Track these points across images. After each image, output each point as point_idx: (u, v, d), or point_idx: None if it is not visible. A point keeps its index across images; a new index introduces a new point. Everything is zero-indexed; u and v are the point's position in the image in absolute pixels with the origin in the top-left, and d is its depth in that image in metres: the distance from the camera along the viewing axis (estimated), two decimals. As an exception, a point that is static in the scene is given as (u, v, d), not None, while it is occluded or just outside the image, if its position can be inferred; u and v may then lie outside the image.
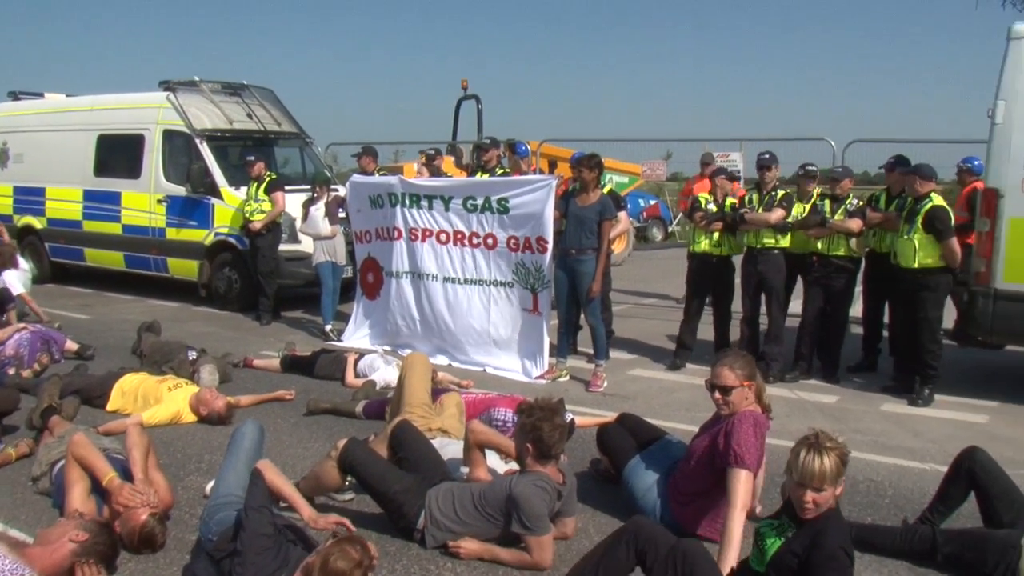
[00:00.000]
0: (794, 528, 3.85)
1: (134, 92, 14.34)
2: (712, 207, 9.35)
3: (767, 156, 9.24)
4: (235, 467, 4.68)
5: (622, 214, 10.11)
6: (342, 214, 11.02)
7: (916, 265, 8.07)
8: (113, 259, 14.27)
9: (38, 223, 15.18)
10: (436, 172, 11.36)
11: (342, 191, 11.44)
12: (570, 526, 4.98)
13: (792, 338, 9.24)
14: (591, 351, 9.01)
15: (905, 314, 8.45)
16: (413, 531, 4.86)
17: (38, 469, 5.66)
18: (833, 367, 9.09)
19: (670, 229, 26.09)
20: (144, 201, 13.50)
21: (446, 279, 9.73)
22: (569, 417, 6.77)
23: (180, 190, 13.04)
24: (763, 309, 9.31)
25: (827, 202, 8.93)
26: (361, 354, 8.94)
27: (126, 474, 5.04)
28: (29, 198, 15.28)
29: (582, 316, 9.17)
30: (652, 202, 25.58)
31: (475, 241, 9.46)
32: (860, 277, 9.27)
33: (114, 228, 13.94)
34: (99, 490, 4.93)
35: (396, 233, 10.06)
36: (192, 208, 12.98)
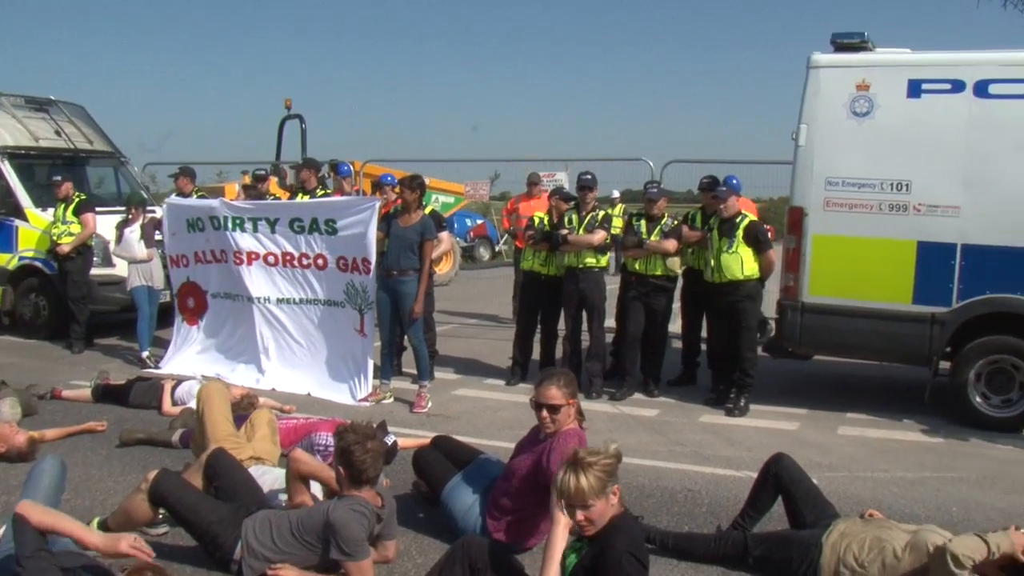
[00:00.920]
0: (587, 542, 3.96)
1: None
2: (546, 227, 9.51)
3: (588, 177, 9.46)
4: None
5: (444, 234, 10.19)
6: (159, 236, 10.66)
7: (742, 277, 8.51)
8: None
9: None
10: (260, 195, 11.11)
11: (159, 212, 11.08)
12: (391, 549, 4.96)
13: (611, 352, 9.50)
14: (415, 372, 9.00)
15: (728, 326, 8.80)
16: (230, 563, 4.72)
17: None
18: (655, 382, 9.36)
19: (497, 248, 26.36)
20: (-61, 225, 12.66)
21: (280, 300, 9.57)
22: (392, 439, 6.78)
23: (-21, 212, 12.28)
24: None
25: (643, 222, 9.14)
26: (179, 381, 8.65)
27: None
28: None
29: (406, 337, 9.17)
30: (479, 222, 25.80)
31: (305, 262, 9.35)
32: (678, 294, 9.60)
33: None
34: None
35: (221, 256, 9.81)
36: (-7, 231, 12.26)
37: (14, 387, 8.27)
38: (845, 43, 8.58)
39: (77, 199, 11.41)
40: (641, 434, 7.92)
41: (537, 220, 9.67)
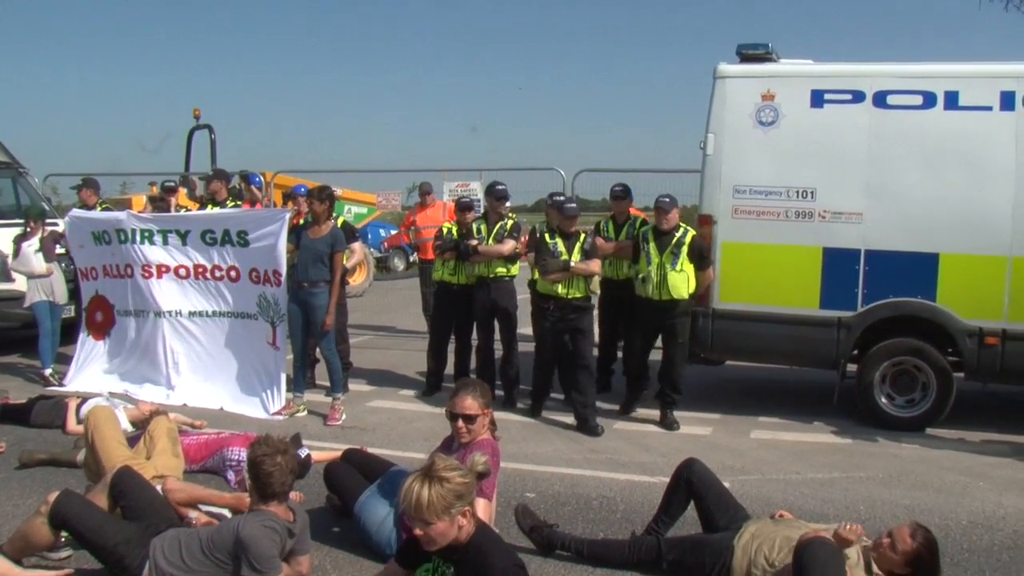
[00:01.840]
0: (450, 566, 3.87)
1: None
2: (455, 236, 9.48)
3: (501, 187, 9.46)
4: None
5: (357, 245, 10.08)
6: (60, 250, 10.34)
7: (687, 296, 8.33)
8: None
9: None
10: (168, 207, 10.87)
11: (61, 225, 10.76)
12: (305, 564, 4.87)
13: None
14: (329, 384, 8.89)
15: (664, 341, 8.60)
16: (138, 584, 4.60)
17: None
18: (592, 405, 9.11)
19: (412, 259, 26.20)
20: None
21: (192, 313, 9.41)
22: (305, 453, 6.71)
23: None
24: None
25: (559, 240, 8.42)
26: (84, 398, 8.38)
27: None
28: None
29: (318, 349, 9.09)
30: (393, 232, 25.62)
31: (218, 274, 9.22)
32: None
33: None
34: None
35: (128, 270, 9.57)
36: None
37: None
38: (750, 54, 8.78)
39: (-28, 212, 11.02)
40: (557, 442, 7.94)
41: (445, 230, 9.65)
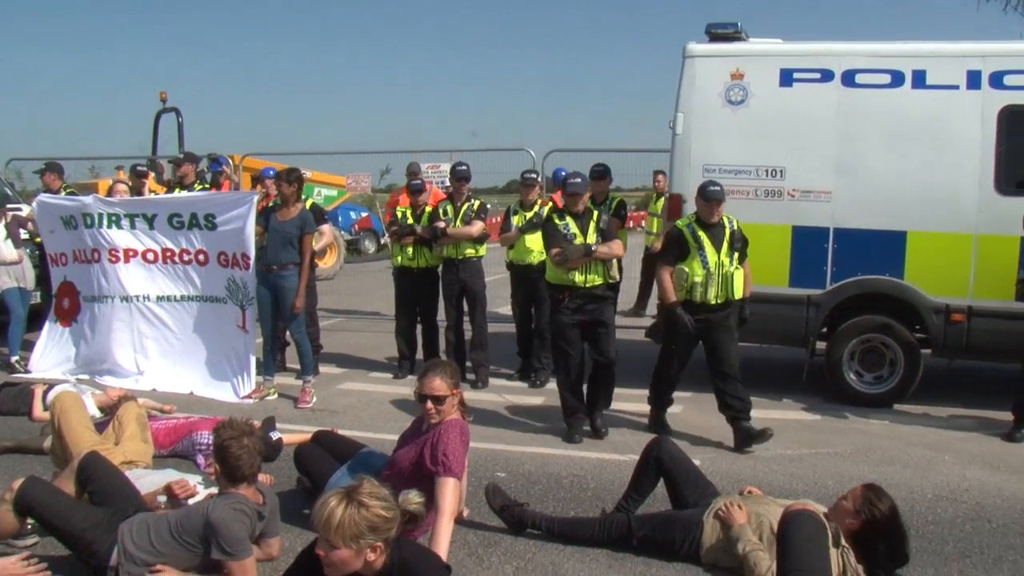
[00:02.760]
0: None
1: None
2: (409, 220, 9.46)
3: (464, 168, 9.45)
4: None
5: (326, 227, 10.03)
6: (24, 235, 10.22)
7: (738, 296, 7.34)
8: None
9: None
10: (138, 191, 10.75)
11: (25, 210, 10.62)
12: (275, 547, 4.86)
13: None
14: (300, 367, 8.86)
15: (719, 345, 7.36)
16: (106, 570, 4.52)
17: None
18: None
19: (383, 241, 26.10)
20: None
21: (160, 298, 9.33)
22: (277, 436, 6.69)
23: None
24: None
25: (569, 220, 7.39)
26: (51, 385, 8.29)
27: None
28: None
29: (288, 332, 9.06)
30: (364, 214, 25.50)
31: (186, 258, 9.16)
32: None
33: None
34: None
35: (95, 255, 9.47)
36: None
37: None
38: (719, 33, 8.77)
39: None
40: (527, 421, 7.95)
41: (400, 215, 9.63)
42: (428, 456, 4.76)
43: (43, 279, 10.42)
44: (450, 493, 4.61)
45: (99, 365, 9.53)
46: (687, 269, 7.23)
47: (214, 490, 5.05)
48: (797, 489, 6.08)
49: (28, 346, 10.28)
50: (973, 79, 8.14)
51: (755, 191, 8.49)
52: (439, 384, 4.94)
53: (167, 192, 11.35)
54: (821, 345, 8.75)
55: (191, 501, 5.07)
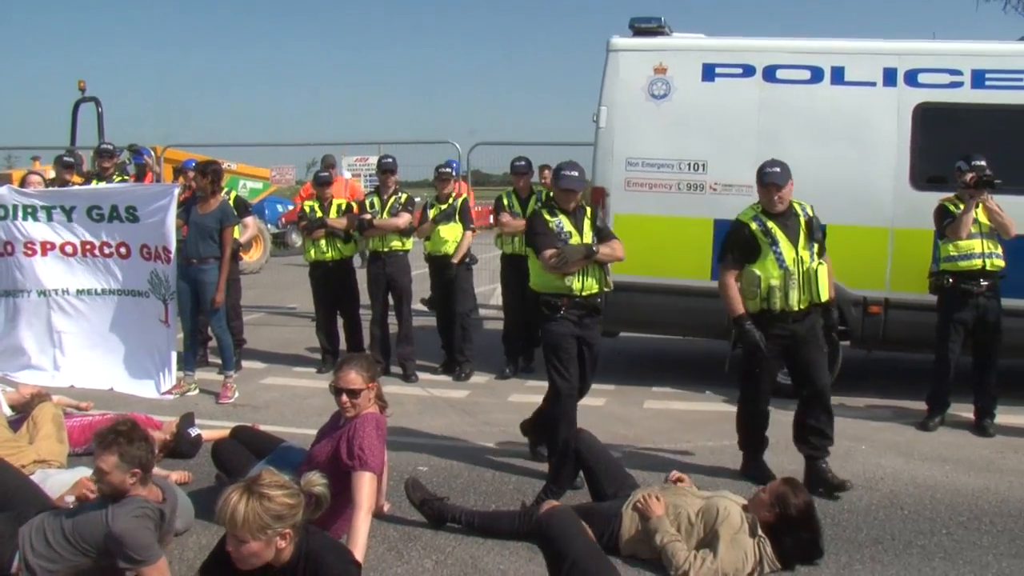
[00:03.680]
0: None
1: None
2: (317, 213, 9.38)
3: (389, 160, 9.41)
4: None
5: (249, 219, 9.88)
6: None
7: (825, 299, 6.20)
8: None
9: None
10: (63, 183, 10.46)
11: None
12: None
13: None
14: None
15: (810, 362, 6.24)
16: (9, 577, 4.38)
17: None
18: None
19: (298, 234, 25.76)
20: None
21: (80, 291, 9.09)
22: (197, 432, 6.59)
23: None
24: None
25: (562, 218, 6.28)
26: (-39, 383, 8.07)
27: None
28: None
29: (210, 327, 8.93)
30: (291, 207, 25.16)
31: (107, 251, 8.92)
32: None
33: None
34: None
35: (8, 248, 9.18)
36: None
37: None
38: (643, 27, 8.83)
39: None
40: (451, 415, 7.95)
41: (308, 208, 9.55)
42: (344, 451, 4.71)
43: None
44: (366, 487, 4.56)
45: (12, 361, 9.26)
46: (758, 272, 5.96)
47: None
48: (718, 481, 6.14)
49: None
50: (889, 76, 8.32)
51: (677, 184, 8.56)
52: (354, 377, 4.89)
53: (85, 184, 11.08)
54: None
55: None
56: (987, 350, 7.65)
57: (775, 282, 5.96)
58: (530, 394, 8.63)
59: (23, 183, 9.80)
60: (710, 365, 9.44)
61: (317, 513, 3.81)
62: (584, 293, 6.14)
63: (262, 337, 11.16)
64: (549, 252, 6.06)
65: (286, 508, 3.41)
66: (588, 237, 6.27)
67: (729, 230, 6.30)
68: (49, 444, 5.91)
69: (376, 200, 9.21)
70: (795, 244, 6.00)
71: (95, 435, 4.35)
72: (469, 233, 9.35)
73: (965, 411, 7.79)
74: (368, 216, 9.05)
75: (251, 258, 18.12)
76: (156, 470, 5.76)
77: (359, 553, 4.24)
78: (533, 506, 5.31)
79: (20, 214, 9.04)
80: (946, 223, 7.47)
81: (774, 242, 5.98)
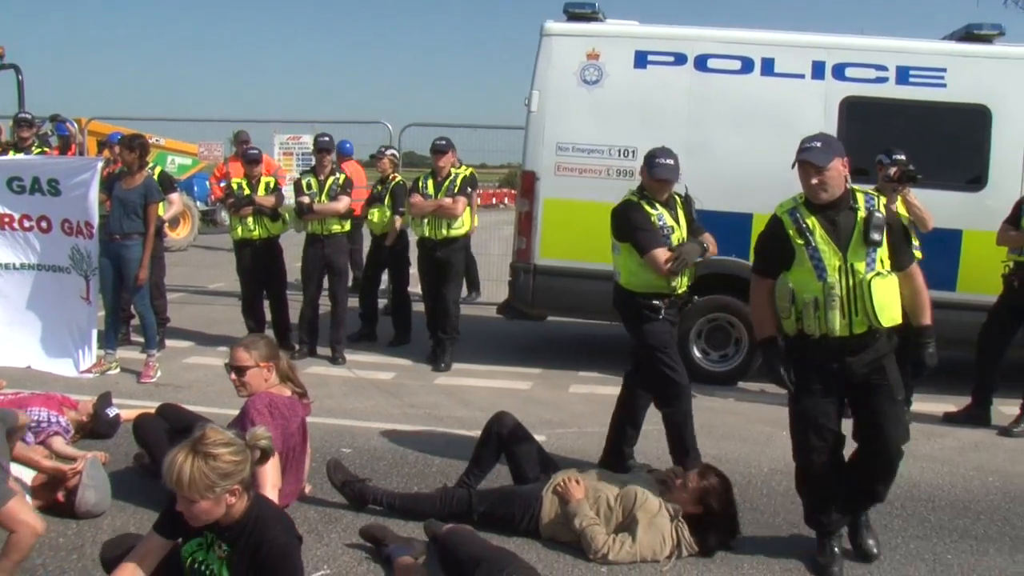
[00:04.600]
0: (225, 544, 3.51)
1: None
2: (245, 191, 9.25)
3: (326, 139, 9.28)
4: None
5: (174, 196, 9.68)
6: None
7: (898, 319, 4.65)
8: None
9: None
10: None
11: None
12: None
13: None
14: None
15: (874, 422, 4.77)
16: None
17: None
18: None
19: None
20: None
21: None
22: (114, 412, 6.48)
23: None
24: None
25: (663, 211, 5.77)
26: None
27: None
28: None
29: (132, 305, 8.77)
30: (222, 184, 24.80)
31: (27, 224, 8.68)
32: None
33: None
34: None
35: (-83, 223, 8.92)
36: None
37: None
38: (577, 12, 8.85)
39: None
40: (376, 397, 7.93)
41: (236, 186, 9.40)
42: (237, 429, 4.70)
43: None
44: (268, 469, 4.55)
45: (-74, 338, 9.01)
46: (791, 283, 4.65)
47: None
48: (643, 466, 6.19)
49: None
50: (818, 69, 8.47)
51: (607, 170, 8.61)
52: (242, 355, 4.91)
53: (2, 155, 10.79)
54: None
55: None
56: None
57: (809, 296, 4.55)
58: (456, 377, 8.66)
59: None
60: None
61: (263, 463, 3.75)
62: (680, 291, 5.78)
63: (187, 316, 11.02)
64: (664, 255, 5.55)
65: (232, 465, 3.38)
66: (685, 231, 5.82)
67: (766, 226, 4.98)
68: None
69: (313, 181, 9.09)
70: (843, 248, 4.52)
71: None
72: (398, 217, 9.32)
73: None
74: (306, 199, 8.93)
75: (178, 235, 17.87)
76: (71, 451, 5.73)
77: None
78: (455, 488, 5.32)
79: None
80: None
81: (809, 244, 4.59)
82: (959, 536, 5.35)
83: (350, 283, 12.07)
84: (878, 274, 4.48)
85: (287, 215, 9.38)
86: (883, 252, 4.53)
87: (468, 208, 9.12)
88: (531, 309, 9.21)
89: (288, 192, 10.09)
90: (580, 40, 8.71)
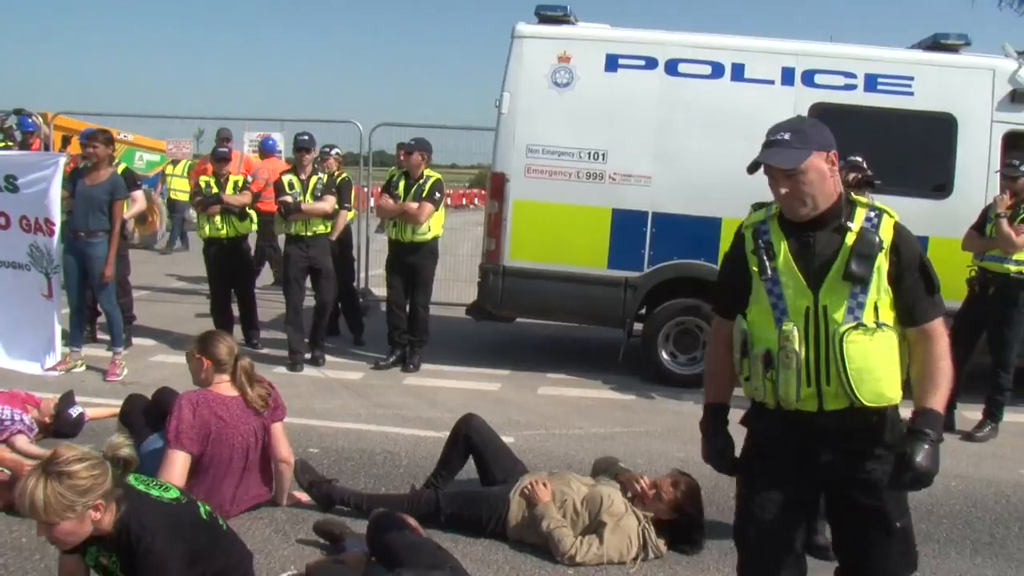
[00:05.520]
0: (111, 554, 3.46)
1: None
2: (213, 189, 9.18)
3: (306, 138, 9.07)
4: None
5: (138, 193, 9.50)
6: None
7: (896, 397, 3.12)
8: None
9: None
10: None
11: None
12: None
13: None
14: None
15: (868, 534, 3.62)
16: None
17: None
18: None
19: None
20: None
21: None
22: (79, 411, 6.42)
23: None
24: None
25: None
26: None
27: None
28: None
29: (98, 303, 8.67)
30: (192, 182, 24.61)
31: None
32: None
33: None
34: None
35: None
36: None
37: None
38: (548, 15, 8.85)
39: None
40: (344, 397, 7.90)
41: (204, 184, 9.29)
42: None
43: None
44: (174, 467, 4.63)
45: None
46: (744, 325, 3.23)
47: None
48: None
49: None
50: (787, 76, 8.52)
51: (577, 173, 8.61)
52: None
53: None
54: (638, 326, 8.98)
55: None
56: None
57: (760, 348, 3.14)
58: (424, 377, 8.65)
59: None
60: (605, 353, 9.59)
61: (127, 476, 3.60)
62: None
63: (154, 314, 10.91)
64: None
65: (91, 479, 3.24)
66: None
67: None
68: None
69: (295, 180, 8.89)
70: (813, 283, 3.06)
71: None
72: (344, 212, 9.30)
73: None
74: (288, 199, 8.80)
75: (144, 232, 17.73)
76: (36, 450, 5.68)
77: None
78: (423, 489, 5.32)
79: None
80: None
81: (765, 271, 3.15)
82: (922, 540, 5.37)
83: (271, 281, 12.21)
84: (861, 326, 2.98)
85: (254, 214, 9.32)
86: (881, 295, 3.01)
87: (437, 213, 8.98)
88: (500, 310, 9.21)
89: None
90: (551, 43, 8.72)
